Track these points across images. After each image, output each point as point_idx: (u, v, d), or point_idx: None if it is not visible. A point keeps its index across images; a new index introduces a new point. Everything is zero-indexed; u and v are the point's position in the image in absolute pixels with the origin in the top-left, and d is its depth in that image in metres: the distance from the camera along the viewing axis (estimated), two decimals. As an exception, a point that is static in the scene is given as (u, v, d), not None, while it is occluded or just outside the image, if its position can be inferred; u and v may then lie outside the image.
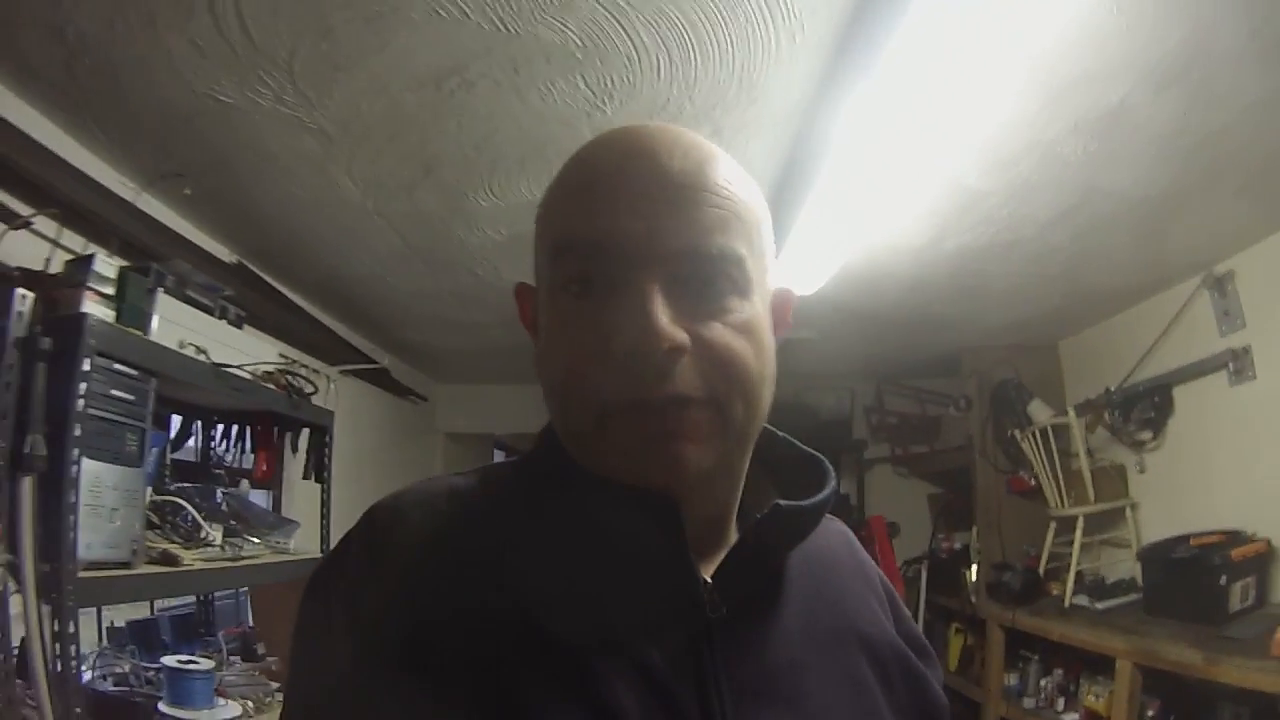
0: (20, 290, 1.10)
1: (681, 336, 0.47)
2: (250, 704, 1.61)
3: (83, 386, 1.17)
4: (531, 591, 0.48)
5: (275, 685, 1.77)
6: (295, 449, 2.28)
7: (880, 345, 3.58)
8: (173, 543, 1.47)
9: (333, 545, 0.51)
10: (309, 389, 1.97)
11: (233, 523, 1.72)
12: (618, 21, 1.32)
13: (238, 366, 1.65)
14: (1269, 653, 1.95)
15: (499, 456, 6.34)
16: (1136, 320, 3.10)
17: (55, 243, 1.54)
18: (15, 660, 1.09)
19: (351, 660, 0.46)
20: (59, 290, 1.25)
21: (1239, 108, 1.63)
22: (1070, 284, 2.75)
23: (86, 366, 1.18)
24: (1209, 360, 2.69)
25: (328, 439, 2.17)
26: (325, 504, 2.20)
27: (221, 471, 1.91)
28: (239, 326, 1.79)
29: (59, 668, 1.07)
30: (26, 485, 1.08)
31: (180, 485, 1.65)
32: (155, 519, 1.45)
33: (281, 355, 2.04)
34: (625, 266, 0.48)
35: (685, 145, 0.52)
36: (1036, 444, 3.28)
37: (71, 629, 1.10)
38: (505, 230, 2.16)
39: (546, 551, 0.51)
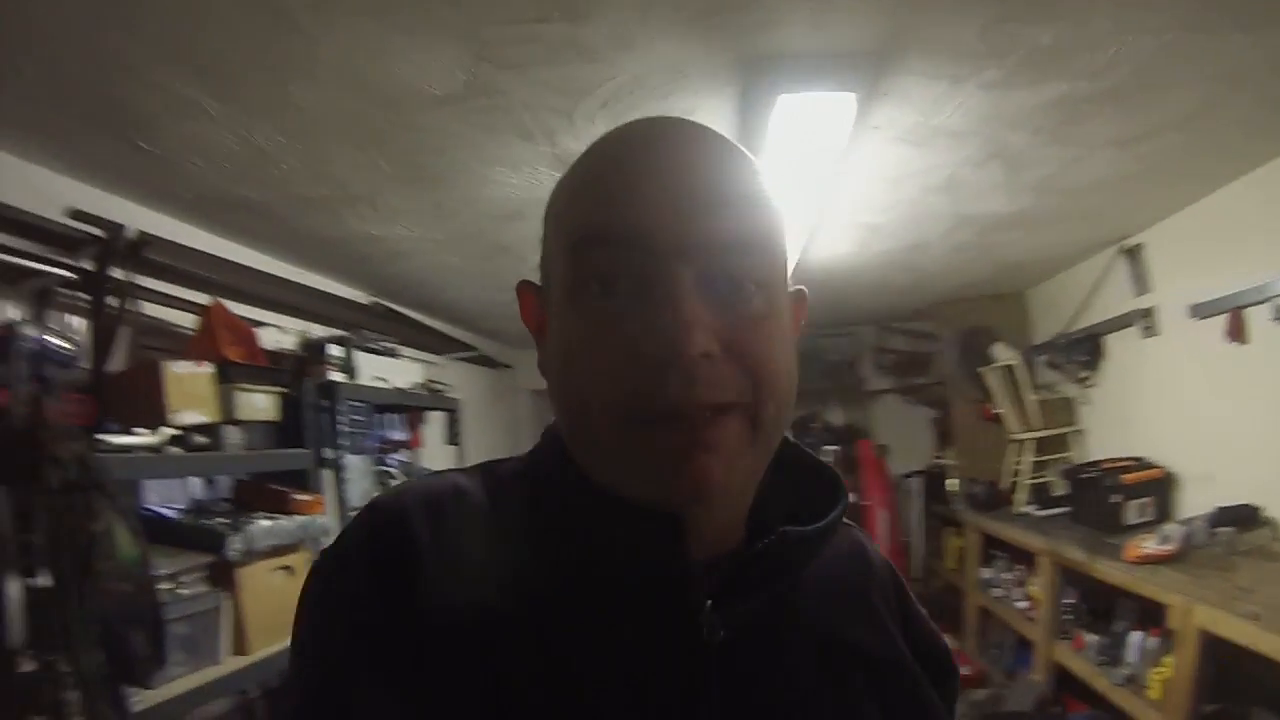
0: (307, 376, 2.12)
1: (714, 341, 0.44)
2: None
3: (341, 420, 2.21)
4: (529, 598, 0.47)
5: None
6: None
7: (868, 299, 4.21)
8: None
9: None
10: (440, 387, 3.01)
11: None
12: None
13: (409, 387, 2.69)
14: (1121, 557, 2.40)
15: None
16: (1083, 274, 3.48)
17: (279, 328, 2.55)
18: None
19: (347, 655, 0.45)
20: (312, 368, 2.26)
21: (1053, 166, 2.21)
22: (993, 260, 3.39)
23: (342, 409, 2.21)
24: (1125, 316, 3.14)
25: (457, 416, 3.23)
26: (460, 460, 3.27)
27: (388, 445, 2.93)
28: (393, 356, 2.82)
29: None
30: (327, 475, 2.13)
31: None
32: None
33: (424, 364, 3.10)
34: (654, 262, 0.45)
35: (710, 137, 0.50)
36: (999, 380, 3.83)
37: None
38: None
39: (547, 559, 0.49)
